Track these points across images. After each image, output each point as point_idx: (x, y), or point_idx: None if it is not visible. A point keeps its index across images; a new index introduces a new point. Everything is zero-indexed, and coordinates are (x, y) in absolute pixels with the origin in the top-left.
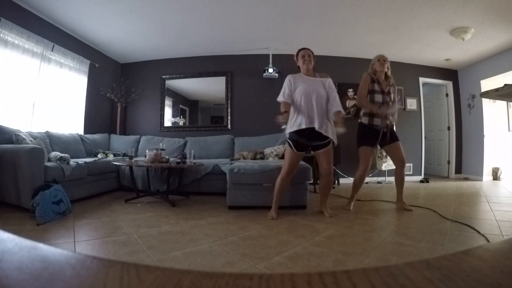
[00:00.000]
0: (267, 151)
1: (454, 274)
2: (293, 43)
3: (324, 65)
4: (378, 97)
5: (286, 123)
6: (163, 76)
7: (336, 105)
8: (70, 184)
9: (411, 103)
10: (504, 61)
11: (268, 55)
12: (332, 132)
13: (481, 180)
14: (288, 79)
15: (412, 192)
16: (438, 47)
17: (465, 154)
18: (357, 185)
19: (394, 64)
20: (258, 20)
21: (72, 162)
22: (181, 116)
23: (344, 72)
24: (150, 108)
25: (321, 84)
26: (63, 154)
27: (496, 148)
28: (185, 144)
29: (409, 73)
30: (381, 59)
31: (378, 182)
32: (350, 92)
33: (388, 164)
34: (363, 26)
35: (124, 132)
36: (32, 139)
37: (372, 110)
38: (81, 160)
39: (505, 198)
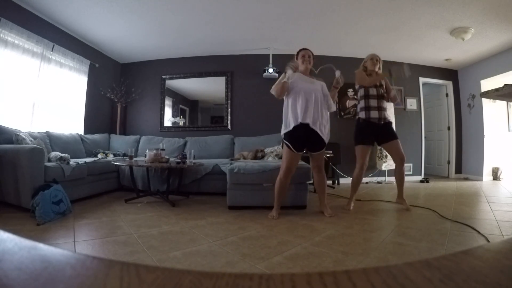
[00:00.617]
0: (267, 150)
1: (454, 274)
2: (293, 43)
3: (324, 65)
4: (373, 90)
5: (295, 67)
6: (163, 76)
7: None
8: (70, 184)
9: (411, 103)
10: (504, 61)
11: (268, 55)
12: (327, 135)
13: (481, 180)
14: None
15: (412, 192)
16: (438, 47)
17: (465, 154)
18: (355, 184)
19: (394, 64)
20: (258, 20)
21: (72, 162)
22: (181, 116)
23: (344, 72)
24: (150, 108)
25: (319, 86)
26: (63, 154)
27: (496, 148)
28: (185, 144)
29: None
30: (374, 59)
31: (378, 182)
32: (350, 92)
33: (388, 164)
34: (363, 26)
35: (124, 132)
36: (32, 139)
37: (373, 82)
38: (81, 160)
39: (505, 198)
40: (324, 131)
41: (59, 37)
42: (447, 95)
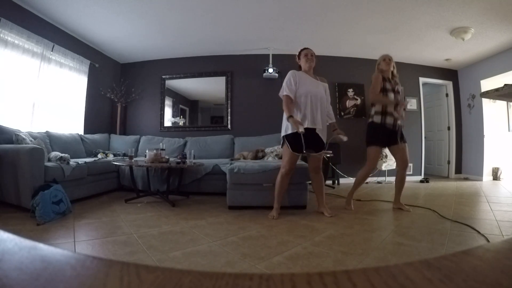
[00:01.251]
0: (267, 150)
1: (454, 274)
2: (293, 43)
3: (324, 65)
4: (391, 96)
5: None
6: (163, 76)
7: (330, 115)
8: (70, 184)
9: (411, 103)
10: (504, 61)
11: (268, 55)
12: (327, 136)
13: (481, 180)
14: (292, 75)
15: (412, 192)
16: (438, 47)
17: (465, 154)
18: (359, 182)
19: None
20: (258, 20)
21: (72, 162)
22: (181, 116)
23: (344, 72)
24: (150, 108)
25: (322, 87)
26: (63, 154)
27: (496, 148)
28: (185, 144)
29: (409, 73)
30: (387, 58)
31: (378, 182)
32: (350, 92)
33: (388, 164)
34: (363, 26)
35: (124, 132)
36: (32, 139)
37: (388, 103)
38: (81, 160)
39: (505, 198)
40: (324, 133)
41: (59, 37)
42: (447, 95)
